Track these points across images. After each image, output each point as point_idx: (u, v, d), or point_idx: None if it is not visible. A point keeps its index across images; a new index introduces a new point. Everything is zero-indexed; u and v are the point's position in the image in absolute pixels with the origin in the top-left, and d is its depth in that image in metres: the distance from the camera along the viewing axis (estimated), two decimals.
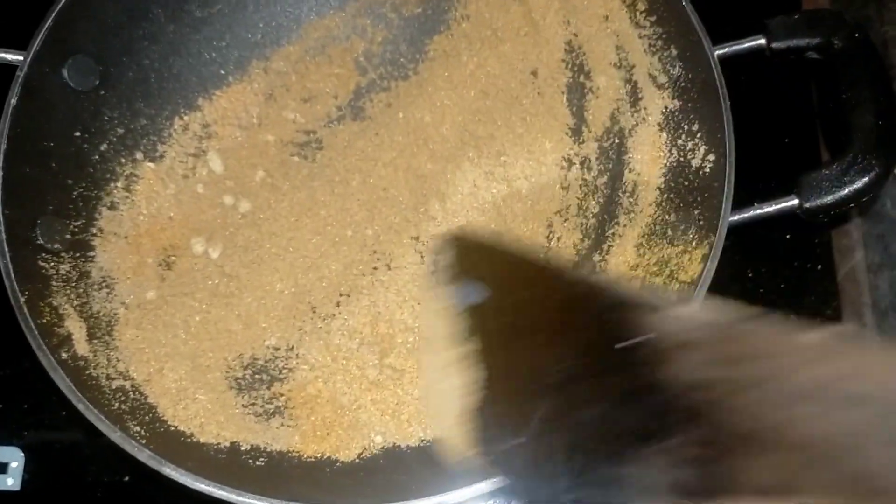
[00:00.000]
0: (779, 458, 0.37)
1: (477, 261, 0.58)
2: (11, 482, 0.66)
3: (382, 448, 0.59)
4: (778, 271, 0.73)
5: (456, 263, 0.59)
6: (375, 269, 0.65)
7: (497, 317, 0.54)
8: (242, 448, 0.57)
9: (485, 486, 0.50)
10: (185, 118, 0.68)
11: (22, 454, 0.67)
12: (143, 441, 0.52)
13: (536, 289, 0.52)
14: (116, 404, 0.55)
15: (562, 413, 0.47)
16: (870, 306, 0.78)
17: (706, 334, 0.40)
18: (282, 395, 0.61)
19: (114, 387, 0.57)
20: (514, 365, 0.52)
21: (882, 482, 0.34)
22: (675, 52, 0.62)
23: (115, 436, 0.51)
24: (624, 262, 0.63)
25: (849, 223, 0.80)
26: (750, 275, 0.73)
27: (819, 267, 0.74)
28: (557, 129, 0.68)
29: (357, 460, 0.58)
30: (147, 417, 0.56)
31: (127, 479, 0.66)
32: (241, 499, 0.50)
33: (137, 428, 0.54)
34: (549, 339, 0.50)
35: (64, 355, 0.55)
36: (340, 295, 0.65)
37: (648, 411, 0.42)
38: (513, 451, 0.50)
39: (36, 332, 0.53)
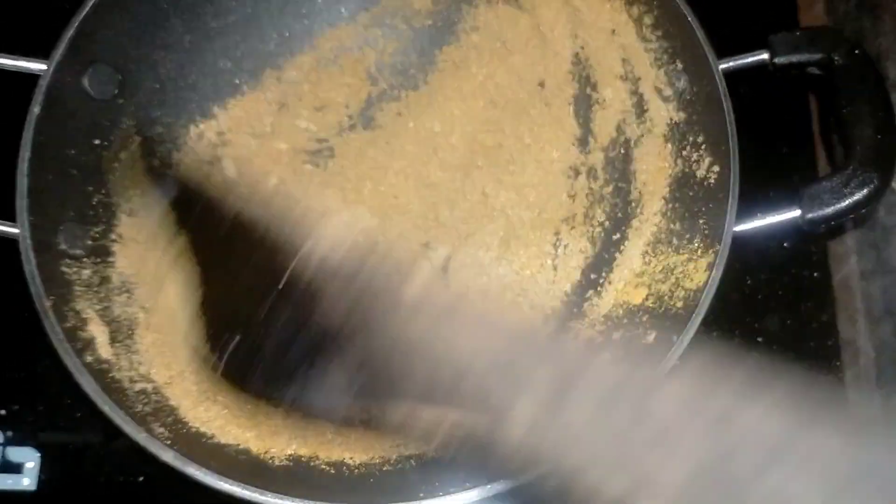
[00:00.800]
0: (417, 371, 0.45)
1: None
2: (27, 482, 0.67)
3: (397, 452, 0.60)
4: (775, 278, 0.75)
5: None
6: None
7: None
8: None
9: (490, 488, 0.51)
10: (201, 126, 0.69)
11: (38, 454, 0.68)
12: (168, 442, 0.53)
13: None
14: (140, 406, 0.56)
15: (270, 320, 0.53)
16: (863, 313, 0.80)
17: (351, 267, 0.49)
18: None
19: (136, 389, 0.58)
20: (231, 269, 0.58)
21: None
22: (680, 66, 0.64)
23: (141, 437, 0.52)
24: (630, 269, 0.64)
25: (843, 230, 0.82)
26: (748, 281, 0.74)
27: (815, 274, 0.76)
28: (564, 139, 0.69)
29: (374, 461, 0.59)
30: (169, 419, 0.57)
31: (141, 479, 0.67)
32: (264, 498, 0.51)
33: (161, 429, 0.55)
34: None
35: (88, 359, 0.56)
36: None
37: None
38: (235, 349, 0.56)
39: (62, 336, 0.54)
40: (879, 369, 0.76)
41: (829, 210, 0.56)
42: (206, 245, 0.61)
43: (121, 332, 0.60)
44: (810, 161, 0.77)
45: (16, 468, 0.67)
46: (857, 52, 0.59)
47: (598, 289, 0.66)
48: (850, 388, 0.74)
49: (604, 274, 0.66)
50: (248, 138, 0.70)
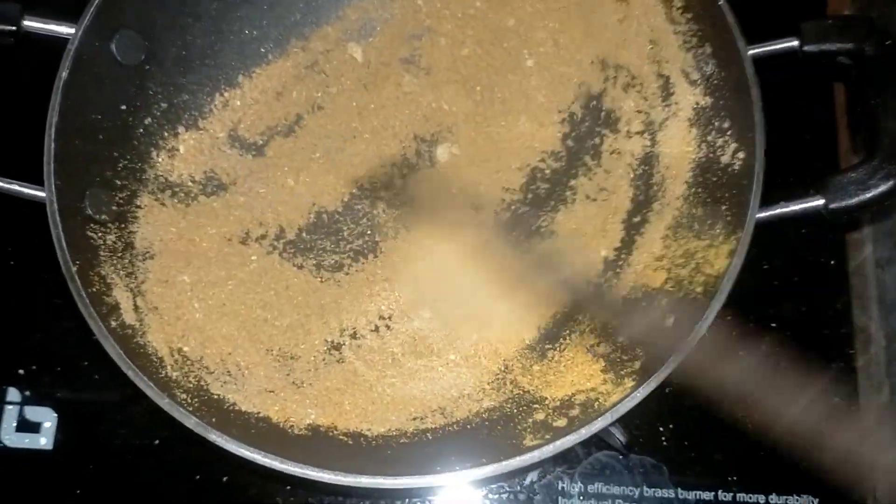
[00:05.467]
0: None
1: None
2: (44, 441, 0.68)
3: (415, 425, 0.61)
4: (792, 265, 0.75)
5: None
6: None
7: None
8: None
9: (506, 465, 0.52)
10: (226, 94, 0.70)
11: (55, 415, 0.69)
12: (190, 409, 0.54)
13: None
14: (163, 372, 0.57)
15: None
16: (876, 301, 0.80)
17: None
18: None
19: (160, 355, 0.58)
20: None
21: None
22: (709, 50, 0.63)
23: (164, 402, 0.52)
24: (650, 253, 0.64)
25: (860, 219, 0.82)
26: (765, 267, 0.74)
27: (832, 262, 0.76)
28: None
29: (391, 433, 0.60)
30: (192, 385, 0.58)
31: (157, 442, 0.68)
32: (283, 466, 0.51)
33: (183, 395, 0.56)
34: None
35: (113, 324, 0.56)
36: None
37: None
38: None
39: (87, 301, 0.55)
40: (890, 358, 0.76)
41: (853, 201, 0.56)
42: None
43: (144, 298, 0.61)
44: (832, 151, 0.77)
45: (33, 427, 0.69)
46: (888, 42, 0.58)
47: (618, 270, 0.66)
48: (861, 376, 0.74)
49: (623, 256, 0.66)
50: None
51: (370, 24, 0.73)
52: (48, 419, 0.69)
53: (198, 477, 0.68)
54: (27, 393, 0.70)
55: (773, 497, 0.68)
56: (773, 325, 0.73)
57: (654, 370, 0.53)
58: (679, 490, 0.68)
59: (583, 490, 0.68)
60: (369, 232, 0.69)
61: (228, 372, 0.61)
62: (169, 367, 0.58)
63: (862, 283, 0.80)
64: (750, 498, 0.68)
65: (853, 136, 0.76)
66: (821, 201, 0.57)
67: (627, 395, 0.53)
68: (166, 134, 0.67)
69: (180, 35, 0.67)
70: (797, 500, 0.68)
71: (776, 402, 0.70)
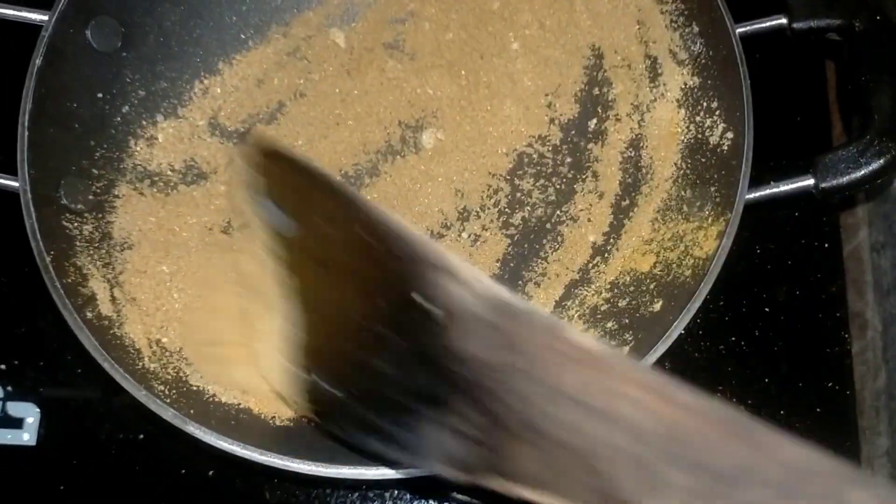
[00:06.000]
0: (545, 454, 0.37)
1: (283, 181, 0.54)
2: (27, 437, 0.67)
3: None
4: (785, 249, 0.74)
5: (264, 177, 0.54)
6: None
7: (304, 251, 0.52)
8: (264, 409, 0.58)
9: None
10: (206, 82, 0.69)
11: (38, 410, 0.68)
12: (168, 400, 0.53)
13: (341, 225, 0.49)
14: (140, 364, 0.56)
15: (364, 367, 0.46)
16: (871, 285, 0.79)
17: (494, 314, 0.40)
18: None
19: (137, 346, 0.57)
20: (326, 308, 0.50)
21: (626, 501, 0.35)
22: (696, 29, 0.63)
23: (140, 394, 0.52)
24: (638, 236, 0.64)
25: (854, 202, 0.81)
26: (758, 251, 0.74)
27: (826, 245, 0.75)
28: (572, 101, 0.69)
29: None
30: (170, 376, 0.57)
31: (142, 436, 0.67)
32: (264, 458, 0.50)
33: (161, 387, 0.55)
34: (354, 283, 0.48)
35: (89, 315, 0.55)
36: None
37: (430, 376, 0.41)
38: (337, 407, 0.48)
39: (62, 292, 0.54)
40: (886, 343, 0.76)
41: (844, 180, 0.55)
42: None
43: (122, 289, 0.60)
44: (825, 130, 0.76)
45: (16, 423, 0.68)
46: (878, 18, 0.57)
47: (606, 255, 0.65)
48: (857, 361, 0.73)
49: (612, 240, 0.65)
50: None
51: (353, 8, 0.72)
52: (31, 415, 0.68)
53: (183, 471, 0.67)
54: (9, 388, 0.69)
55: None
56: (767, 309, 0.72)
57: (642, 354, 0.52)
58: None
59: None
60: None
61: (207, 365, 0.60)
62: (147, 359, 0.57)
63: (857, 267, 0.79)
64: None
65: (844, 114, 0.75)
66: (811, 181, 0.56)
67: None
68: (144, 122, 0.66)
69: (158, 21, 0.66)
70: None
71: (769, 388, 0.69)
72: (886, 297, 0.77)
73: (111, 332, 0.57)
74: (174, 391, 0.56)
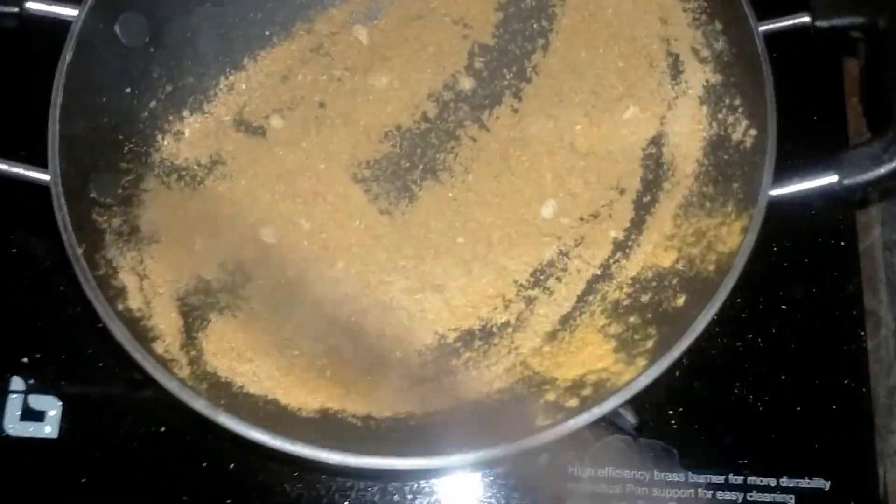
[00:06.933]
0: None
1: None
2: (49, 430, 0.68)
3: (422, 408, 0.60)
4: (802, 246, 0.75)
5: None
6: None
7: None
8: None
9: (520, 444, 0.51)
10: (231, 78, 0.69)
11: (60, 403, 0.69)
12: (198, 392, 0.53)
13: None
14: (169, 356, 0.57)
15: None
16: (885, 283, 0.80)
17: None
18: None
19: (165, 340, 0.58)
20: None
21: None
22: (719, 27, 0.63)
23: (173, 385, 0.52)
24: (660, 232, 0.64)
25: (869, 201, 0.81)
26: (775, 248, 0.74)
27: (842, 243, 0.75)
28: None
29: (400, 416, 0.59)
30: (199, 369, 0.58)
31: (163, 429, 0.68)
32: (292, 448, 0.50)
33: (191, 380, 0.56)
34: None
35: (119, 307, 0.56)
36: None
37: None
38: None
39: (94, 284, 0.54)
40: None
41: (868, 176, 0.55)
42: None
43: (151, 282, 0.60)
44: (841, 127, 0.77)
45: (38, 416, 0.68)
46: None
47: (627, 251, 0.65)
48: (872, 359, 0.74)
49: (633, 236, 0.65)
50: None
51: (376, 6, 0.72)
52: (53, 408, 0.69)
53: (204, 464, 0.67)
54: (31, 381, 0.69)
55: (784, 480, 0.68)
56: (784, 307, 0.72)
57: (666, 349, 0.53)
58: (689, 474, 0.68)
59: (593, 474, 0.68)
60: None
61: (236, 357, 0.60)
62: (175, 351, 0.58)
63: (871, 265, 0.79)
64: (761, 481, 0.68)
65: (865, 111, 0.75)
66: (834, 178, 0.56)
67: (640, 374, 0.52)
68: (171, 117, 0.67)
69: (184, 17, 0.66)
70: (808, 483, 0.68)
71: (785, 385, 0.70)
72: None
73: (141, 323, 0.57)
74: (204, 383, 0.56)
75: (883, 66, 0.57)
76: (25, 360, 0.70)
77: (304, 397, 0.59)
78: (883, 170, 0.55)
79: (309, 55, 0.71)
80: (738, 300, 0.72)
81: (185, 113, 0.67)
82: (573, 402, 0.55)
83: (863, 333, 0.73)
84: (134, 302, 0.58)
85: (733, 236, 0.57)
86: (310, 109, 0.70)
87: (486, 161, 0.69)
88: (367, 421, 0.59)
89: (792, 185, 0.57)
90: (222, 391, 0.57)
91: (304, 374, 0.60)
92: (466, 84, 0.71)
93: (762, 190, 0.56)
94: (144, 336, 0.56)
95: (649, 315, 0.60)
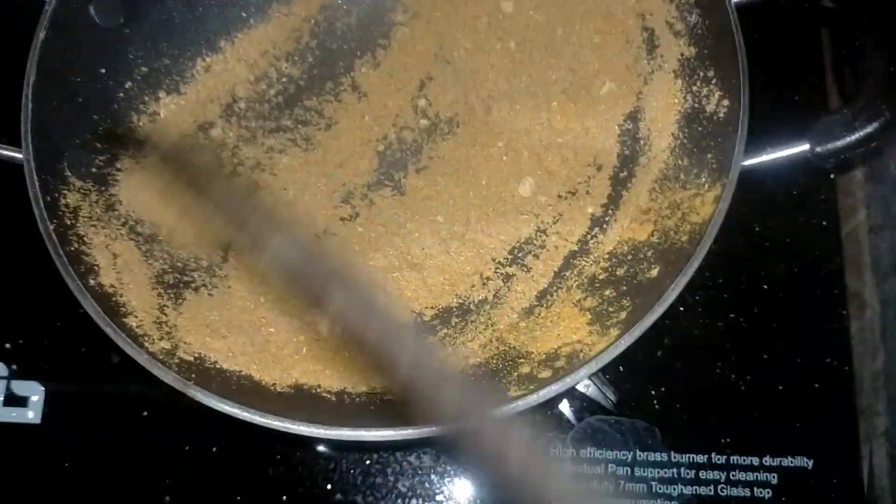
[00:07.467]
0: None
1: None
2: (32, 415, 0.68)
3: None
4: (783, 226, 0.75)
5: None
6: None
7: None
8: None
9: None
10: (208, 59, 0.69)
11: (42, 388, 0.69)
12: (168, 365, 0.53)
13: None
14: (141, 331, 0.56)
15: None
16: (869, 266, 0.79)
17: None
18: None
19: (138, 315, 0.58)
20: None
21: None
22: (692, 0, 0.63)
23: (142, 359, 0.52)
24: (637, 206, 0.64)
25: (853, 183, 0.81)
26: (756, 229, 0.74)
27: (824, 223, 0.75)
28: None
29: (375, 391, 0.59)
30: (171, 344, 0.57)
31: (145, 413, 0.68)
32: (264, 420, 0.50)
33: (163, 355, 0.55)
34: None
35: (91, 282, 0.56)
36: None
37: None
38: None
39: (65, 259, 0.54)
40: (885, 324, 0.76)
41: (839, 143, 0.55)
42: None
43: (124, 259, 0.60)
44: (821, 97, 0.77)
45: (20, 401, 0.69)
46: None
47: (604, 226, 0.65)
48: (855, 341, 0.74)
49: (610, 211, 0.65)
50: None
51: None
52: (35, 393, 0.69)
53: (187, 448, 0.67)
54: (14, 367, 0.70)
55: (766, 459, 0.68)
56: (765, 286, 0.72)
57: (638, 318, 0.52)
58: (672, 453, 0.68)
59: (575, 455, 0.67)
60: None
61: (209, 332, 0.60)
62: (147, 327, 0.57)
63: (855, 248, 0.79)
64: (744, 460, 0.68)
65: (839, 79, 0.75)
66: (806, 146, 0.56)
67: (612, 344, 0.52)
68: (147, 98, 0.67)
69: None
70: (791, 462, 0.67)
71: (768, 364, 0.70)
72: (885, 279, 0.77)
73: (113, 299, 0.57)
74: (175, 357, 0.56)
75: (854, 32, 0.57)
76: (8, 345, 0.70)
77: (278, 373, 0.59)
78: (854, 136, 0.55)
79: (286, 38, 0.71)
80: (720, 280, 0.72)
81: (161, 94, 0.67)
82: (546, 374, 0.55)
83: (845, 312, 0.73)
84: (106, 278, 0.58)
85: (706, 206, 0.57)
86: None
87: (464, 140, 0.69)
88: (342, 395, 0.58)
89: (765, 154, 0.57)
90: (195, 366, 0.56)
91: (279, 351, 0.60)
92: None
93: (735, 159, 0.55)
94: (116, 311, 0.56)
95: (624, 287, 0.59)
